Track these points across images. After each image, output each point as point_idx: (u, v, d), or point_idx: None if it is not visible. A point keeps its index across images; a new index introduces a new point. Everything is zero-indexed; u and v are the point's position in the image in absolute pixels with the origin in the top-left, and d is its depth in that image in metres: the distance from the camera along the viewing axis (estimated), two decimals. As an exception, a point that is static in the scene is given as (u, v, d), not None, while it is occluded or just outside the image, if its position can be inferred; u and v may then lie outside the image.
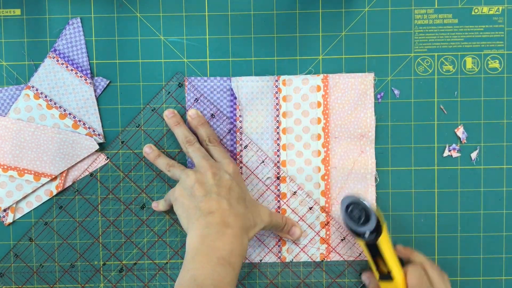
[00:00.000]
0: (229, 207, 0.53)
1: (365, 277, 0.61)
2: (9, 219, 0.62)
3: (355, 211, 0.56)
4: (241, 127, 0.62)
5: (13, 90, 0.61)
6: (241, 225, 0.53)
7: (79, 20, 0.61)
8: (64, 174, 0.62)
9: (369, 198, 0.62)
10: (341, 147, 0.62)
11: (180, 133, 0.59)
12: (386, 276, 0.57)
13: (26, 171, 0.61)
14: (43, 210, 0.62)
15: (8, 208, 0.62)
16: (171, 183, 0.62)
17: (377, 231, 0.56)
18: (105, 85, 0.62)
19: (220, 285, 0.48)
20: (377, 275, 0.58)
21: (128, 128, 0.61)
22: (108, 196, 0.62)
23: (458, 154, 0.62)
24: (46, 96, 0.61)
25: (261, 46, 0.62)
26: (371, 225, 0.55)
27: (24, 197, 0.62)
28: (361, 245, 0.59)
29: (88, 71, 0.61)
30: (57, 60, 0.61)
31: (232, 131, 0.62)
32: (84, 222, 0.62)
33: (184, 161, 0.62)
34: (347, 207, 0.57)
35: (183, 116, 0.61)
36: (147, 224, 0.62)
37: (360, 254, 0.62)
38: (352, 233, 0.58)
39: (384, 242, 0.56)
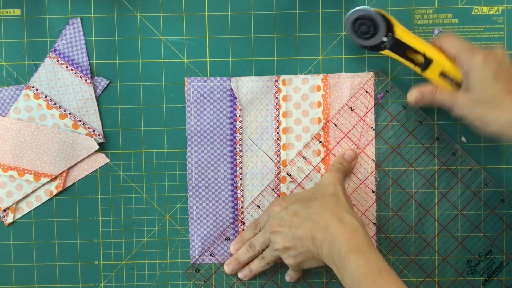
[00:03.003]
0: None
1: (413, 94, 0.58)
2: (9, 219, 0.62)
3: (361, 27, 0.57)
4: (241, 127, 0.62)
5: (13, 90, 0.61)
6: None
7: (79, 20, 0.61)
8: (64, 174, 0.62)
9: (370, 198, 0.62)
10: (341, 147, 0.62)
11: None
12: (425, 62, 0.57)
13: (26, 171, 0.61)
14: (43, 210, 0.62)
15: (8, 208, 0.62)
16: (171, 183, 0.62)
17: (390, 28, 0.57)
18: (105, 85, 0.62)
19: None
20: (418, 69, 0.58)
21: None
22: (108, 196, 0.62)
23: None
24: (46, 96, 0.61)
25: (261, 46, 0.62)
26: (382, 28, 0.56)
27: (24, 197, 0.62)
28: (388, 55, 0.58)
29: (88, 71, 0.61)
30: (57, 60, 0.61)
31: (232, 131, 0.62)
32: (84, 222, 0.62)
33: (184, 161, 0.62)
34: (353, 28, 0.58)
35: (183, 115, 0.61)
36: (147, 224, 0.62)
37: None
38: (373, 49, 0.58)
39: (402, 32, 0.57)
